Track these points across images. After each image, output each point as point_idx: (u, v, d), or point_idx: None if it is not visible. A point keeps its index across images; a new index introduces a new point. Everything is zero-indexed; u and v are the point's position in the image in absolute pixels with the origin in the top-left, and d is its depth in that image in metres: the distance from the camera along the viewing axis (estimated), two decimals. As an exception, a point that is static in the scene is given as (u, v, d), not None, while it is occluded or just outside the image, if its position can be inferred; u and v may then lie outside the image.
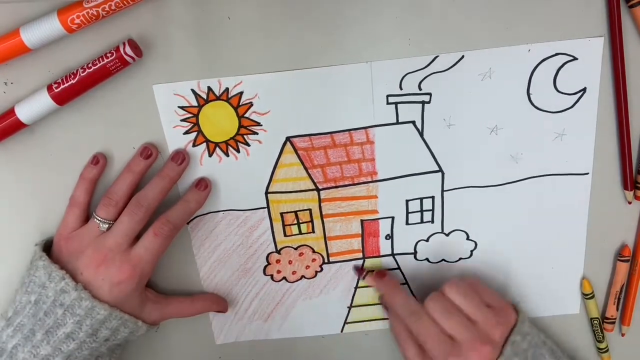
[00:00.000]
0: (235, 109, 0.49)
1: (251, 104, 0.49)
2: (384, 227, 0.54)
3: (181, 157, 0.50)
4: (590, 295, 0.57)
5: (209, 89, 0.48)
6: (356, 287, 0.57)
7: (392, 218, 0.54)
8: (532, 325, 0.52)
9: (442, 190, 0.53)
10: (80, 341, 0.48)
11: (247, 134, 0.50)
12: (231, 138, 0.50)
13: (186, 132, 0.50)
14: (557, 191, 0.53)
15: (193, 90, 0.48)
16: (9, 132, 0.47)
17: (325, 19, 0.46)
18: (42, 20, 0.43)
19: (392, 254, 0.56)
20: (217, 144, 0.50)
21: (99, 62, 0.44)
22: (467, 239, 0.55)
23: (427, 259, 0.56)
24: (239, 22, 0.46)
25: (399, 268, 0.56)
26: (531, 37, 0.47)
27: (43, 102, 0.46)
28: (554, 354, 0.51)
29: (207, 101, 0.49)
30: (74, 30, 0.43)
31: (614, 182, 0.53)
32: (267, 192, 0.52)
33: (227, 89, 0.48)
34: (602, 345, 0.60)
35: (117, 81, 0.47)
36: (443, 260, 0.56)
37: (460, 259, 0.56)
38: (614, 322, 0.59)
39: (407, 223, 0.54)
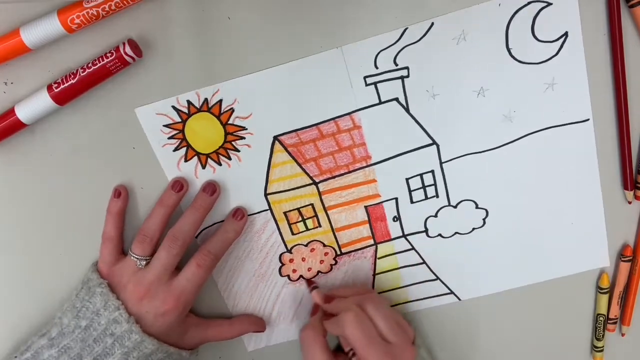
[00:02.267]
0: (218, 117, 0.49)
1: (232, 110, 0.49)
2: (389, 210, 0.54)
3: (212, 188, 0.51)
4: (606, 290, 0.56)
5: (189, 102, 0.49)
6: (374, 275, 0.57)
7: (396, 199, 0.53)
8: (429, 353, 0.53)
9: (441, 163, 0.52)
10: None
11: (234, 140, 0.50)
12: (220, 147, 0.51)
13: (176, 149, 0.50)
14: (560, 143, 0.51)
15: (174, 107, 0.49)
16: (9, 132, 0.47)
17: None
18: (42, 20, 0.43)
19: (404, 235, 0.55)
20: (208, 155, 0.51)
21: (99, 62, 0.45)
22: (477, 207, 0.54)
23: (439, 235, 0.55)
24: (239, 22, 0.46)
25: (413, 248, 0.55)
26: (500, -9, 0.45)
27: (43, 102, 0.46)
28: None
29: (189, 115, 0.49)
30: (74, 30, 0.43)
31: (614, 182, 0.52)
32: (266, 194, 0.53)
33: (206, 100, 0.49)
34: (600, 344, 0.59)
35: (117, 81, 0.47)
36: (456, 233, 0.55)
37: (474, 228, 0.55)
38: (616, 322, 0.58)
39: (412, 202, 0.53)
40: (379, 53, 0.47)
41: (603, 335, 0.58)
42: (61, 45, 0.46)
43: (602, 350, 0.59)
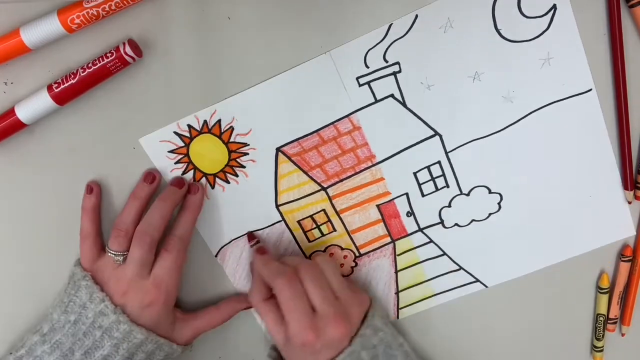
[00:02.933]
0: (219, 137, 0.50)
1: (232, 128, 0.50)
2: (401, 206, 0.54)
3: (180, 181, 0.51)
4: (606, 290, 0.55)
5: (189, 126, 0.50)
6: (396, 272, 0.56)
7: (407, 194, 0.53)
8: (387, 324, 0.51)
9: (446, 152, 0.51)
10: None
11: (239, 157, 0.51)
12: (226, 165, 0.51)
13: (184, 173, 0.51)
14: (565, 117, 0.50)
15: (176, 132, 0.50)
16: (9, 132, 0.47)
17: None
18: (42, 20, 0.43)
19: (420, 229, 0.55)
20: (215, 175, 0.52)
21: (99, 62, 0.45)
22: (490, 192, 0.53)
23: (456, 224, 0.54)
24: (239, 22, 0.46)
25: (431, 241, 0.55)
26: (480, -27, 0.45)
27: (43, 102, 0.46)
28: (408, 357, 0.50)
29: (191, 138, 0.50)
30: (74, 30, 0.43)
31: (614, 182, 0.52)
32: (277, 206, 0.53)
33: (205, 121, 0.49)
34: (599, 344, 0.58)
35: (117, 81, 0.47)
36: (473, 220, 0.54)
37: (490, 214, 0.54)
38: (616, 322, 0.57)
39: (422, 195, 0.53)
40: (367, 52, 0.47)
41: (603, 335, 0.58)
42: (61, 45, 0.46)
43: (602, 350, 0.58)
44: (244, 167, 0.51)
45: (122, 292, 0.49)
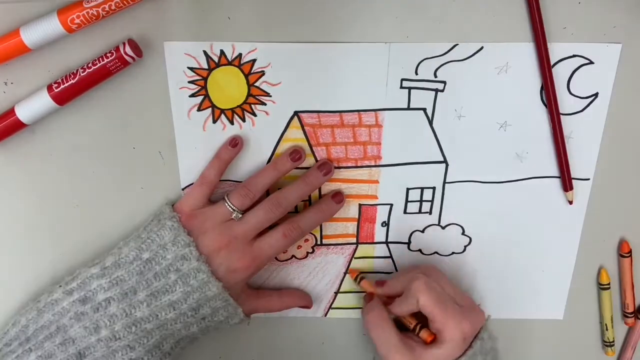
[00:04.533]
0: (246, 76, 0.48)
1: (263, 73, 0.47)
2: (381, 214, 0.54)
3: (327, 168, 0.50)
4: (606, 286, 0.57)
5: (222, 52, 0.47)
6: (346, 273, 0.56)
7: (391, 205, 0.53)
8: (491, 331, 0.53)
9: (444, 182, 0.52)
10: (180, 312, 0.47)
11: (255, 104, 0.49)
12: (238, 106, 0.49)
13: (192, 95, 0.48)
14: (556, 194, 0.53)
15: (205, 52, 0.47)
16: (9, 132, 0.47)
17: None
18: (42, 20, 0.43)
19: (386, 242, 0.55)
20: (222, 111, 0.49)
21: (99, 62, 0.44)
22: (463, 233, 0.55)
23: (420, 250, 0.56)
24: (239, 23, 0.46)
25: (390, 256, 0.56)
26: (550, 37, 0.47)
27: (43, 102, 0.45)
28: None
29: (218, 65, 0.47)
30: (74, 30, 0.43)
31: (620, 179, 0.53)
32: (267, 166, 0.51)
33: (240, 55, 0.47)
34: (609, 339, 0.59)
35: (117, 81, 0.47)
36: (436, 252, 0.56)
37: (453, 253, 0.56)
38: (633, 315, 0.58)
39: (405, 212, 0.54)
40: (423, 60, 0.47)
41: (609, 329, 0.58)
42: (61, 45, 0.45)
43: (612, 345, 0.59)
44: (255, 115, 0.49)
45: (218, 246, 0.47)
